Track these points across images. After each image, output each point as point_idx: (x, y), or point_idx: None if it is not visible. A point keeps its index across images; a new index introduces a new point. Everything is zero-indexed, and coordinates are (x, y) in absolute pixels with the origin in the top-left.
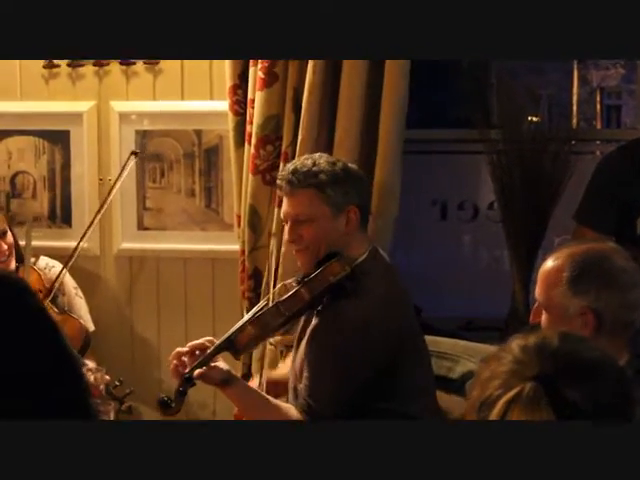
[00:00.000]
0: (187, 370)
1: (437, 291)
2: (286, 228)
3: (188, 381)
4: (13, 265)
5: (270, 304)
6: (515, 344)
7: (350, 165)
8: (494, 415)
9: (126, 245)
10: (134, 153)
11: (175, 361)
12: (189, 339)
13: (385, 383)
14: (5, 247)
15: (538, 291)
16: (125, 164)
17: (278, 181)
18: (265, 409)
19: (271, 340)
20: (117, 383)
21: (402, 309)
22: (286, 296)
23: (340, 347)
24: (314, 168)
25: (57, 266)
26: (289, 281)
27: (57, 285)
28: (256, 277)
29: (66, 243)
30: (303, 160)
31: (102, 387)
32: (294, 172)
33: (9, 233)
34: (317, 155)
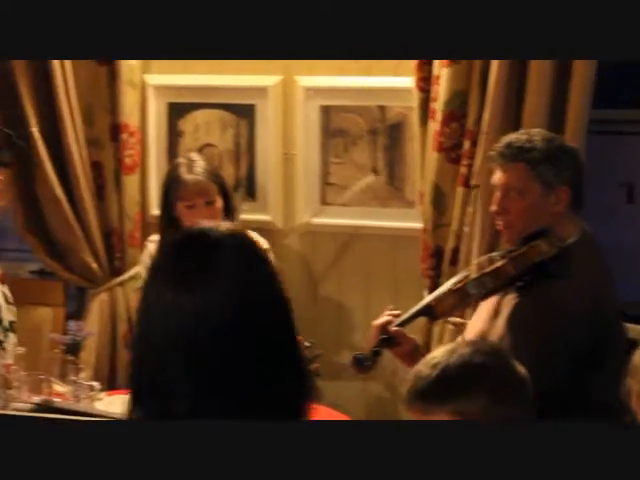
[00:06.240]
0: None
1: (623, 275)
2: (494, 199)
3: (384, 341)
4: None
5: (472, 275)
6: None
7: (568, 145)
8: None
9: (309, 220)
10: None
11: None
12: (370, 316)
13: (585, 370)
14: (207, 215)
15: None
16: None
17: (492, 152)
18: None
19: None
20: (307, 344)
21: (607, 297)
22: (490, 269)
23: (542, 332)
24: (527, 144)
25: (262, 244)
26: (494, 254)
27: None
28: (438, 255)
29: (249, 216)
30: (519, 134)
31: None
32: (508, 145)
33: (218, 203)
34: (536, 130)
